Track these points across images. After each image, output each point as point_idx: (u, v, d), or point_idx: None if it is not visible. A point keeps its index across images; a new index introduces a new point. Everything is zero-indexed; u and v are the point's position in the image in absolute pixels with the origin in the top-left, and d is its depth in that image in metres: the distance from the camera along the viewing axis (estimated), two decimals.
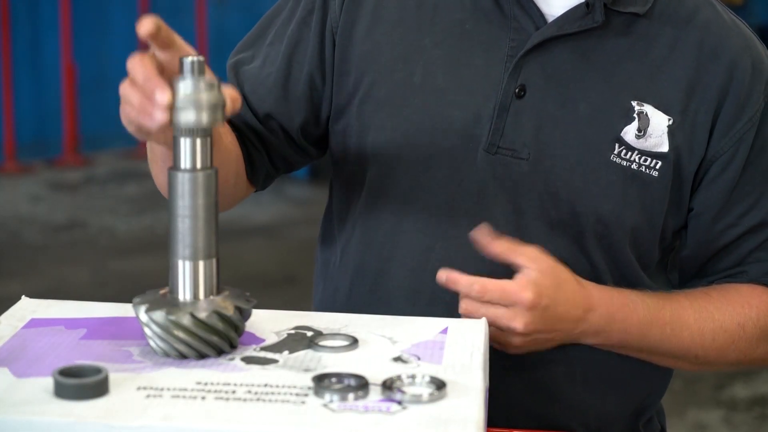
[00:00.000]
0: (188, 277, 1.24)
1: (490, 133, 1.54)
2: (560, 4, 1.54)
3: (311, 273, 1.77)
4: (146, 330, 1.24)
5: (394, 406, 1.13)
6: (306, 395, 1.15)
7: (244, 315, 1.27)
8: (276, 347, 1.28)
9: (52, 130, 7.32)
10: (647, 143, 1.53)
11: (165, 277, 1.26)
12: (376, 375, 1.19)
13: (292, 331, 1.33)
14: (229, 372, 1.21)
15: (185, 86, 1.20)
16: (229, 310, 1.25)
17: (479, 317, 1.40)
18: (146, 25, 1.21)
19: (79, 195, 6.68)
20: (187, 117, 1.21)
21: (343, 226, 1.65)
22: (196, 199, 1.23)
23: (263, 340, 1.30)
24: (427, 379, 1.18)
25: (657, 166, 1.54)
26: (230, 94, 1.23)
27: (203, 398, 1.14)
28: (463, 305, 1.44)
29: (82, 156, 7.31)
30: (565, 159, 1.53)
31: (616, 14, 1.54)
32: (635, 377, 1.63)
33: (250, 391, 1.16)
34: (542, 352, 1.54)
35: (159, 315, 1.23)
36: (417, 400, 1.14)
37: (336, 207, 1.68)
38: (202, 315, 1.23)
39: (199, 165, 1.23)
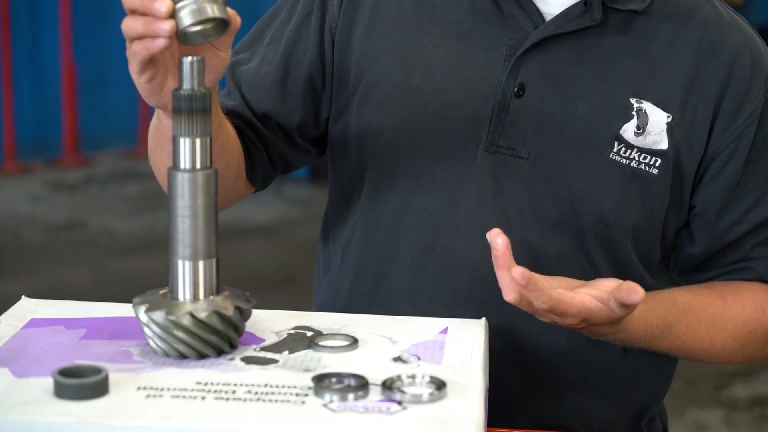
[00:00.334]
0: (188, 277, 1.24)
1: (489, 132, 1.54)
2: (558, 3, 1.54)
3: (311, 273, 1.77)
4: (146, 330, 1.24)
5: (394, 406, 1.13)
6: (306, 395, 1.15)
7: (244, 315, 1.27)
8: (276, 347, 1.28)
9: (52, 130, 7.32)
10: (646, 141, 1.53)
11: (165, 277, 1.26)
12: (376, 375, 1.19)
13: (292, 331, 1.33)
14: (229, 372, 1.21)
15: None
16: (229, 310, 1.25)
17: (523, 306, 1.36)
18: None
19: (79, 195, 6.68)
20: (193, 12, 1.22)
21: (343, 227, 1.65)
22: (195, 199, 1.23)
23: (263, 340, 1.30)
24: (427, 379, 1.18)
25: (657, 164, 1.54)
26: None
27: (203, 398, 1.14)
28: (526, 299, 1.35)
29: (82, 156, 7.30)
30: (565, 158, 1.53)
31: (614, 12, 1.54)
32: (637, 378, 1.63)
33: (250, 391, 1.16)
34: (543, 353, 1.55)
35: (159, 315, 1.23)
36: (417, 400, 1.14)
37: (335, 208, 1.68)
38: (202, 315, 1.23)
39: (198, 165, 1.23)
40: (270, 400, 1.14)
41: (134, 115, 7.40)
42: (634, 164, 1.53)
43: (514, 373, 1.56)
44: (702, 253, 1.61)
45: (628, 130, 1.53)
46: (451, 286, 1.55)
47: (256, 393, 1.16)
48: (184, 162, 1.23)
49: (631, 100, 1.53)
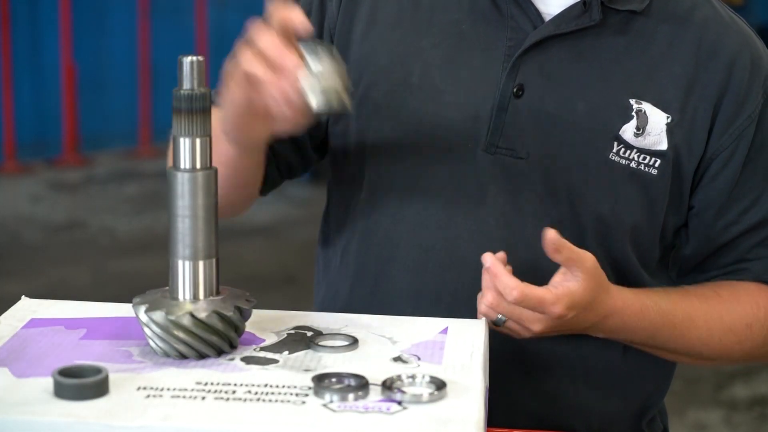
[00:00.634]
0: (188, 277, 1.24)
1: (488, 133, 1.54)
2: (557, 3, 1.54)
3: (311, 273, 1.77)
4: (146, 330, 1.24)
5: (394, 406, 1.13)
6: (306, 395, 1.15)
7: (244, 315, 1.27)
8: (276, 347, 1.28)
9: (52, 130, 7.32)
10: (646, 141, 1.53)
11: (165, 277, 1.26)
12: (376, 375, 1.19)
13: (292, 331, 1.33)
14: (229, 372, 1.21)
15: (313, 62, 1.23)
16: (229, 310, 1.25)
17: (499, 312, 1.40)
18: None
19: (79, 195, 6.68)
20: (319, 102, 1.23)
21: (342, 228, 1.65)
22: (195, 199, 1.23)
23: (263, 340, 1.30)
24: (427, 379, 1.18)
25: (656, 165, 1.54)
26: (296, 16, 1.25)
27: (203, 398, 1.14)
28: (489, 299, 1.40)
29: (82, 156, 7.30)
30: (564, 158, 1.53)
31: (613, 12, 1.54)
32: (637, 377, 1.63)
33: (250, 391, 1.16)
34: (543, 352, 1.55)
35: (159, 315, 1.23)
36: (417, 400, 1.14)
37: (335, 209, 1.68)
38: (202, 315, 1.23)
39: (198, 165, 1.23)
40: (270, 400, 1.14)
41: (134, 115, 7.40)
42: (633, 165, 1.53)
43: (514, 373, 1.56)
44: (699, 253, 1.62)
45: (628, 131, 1.53)
46: (452, 287, 1.55)
47: (256, 393, 1.16)
48: (184, 162, 1.23)
49: (630, 100, 1.53)
